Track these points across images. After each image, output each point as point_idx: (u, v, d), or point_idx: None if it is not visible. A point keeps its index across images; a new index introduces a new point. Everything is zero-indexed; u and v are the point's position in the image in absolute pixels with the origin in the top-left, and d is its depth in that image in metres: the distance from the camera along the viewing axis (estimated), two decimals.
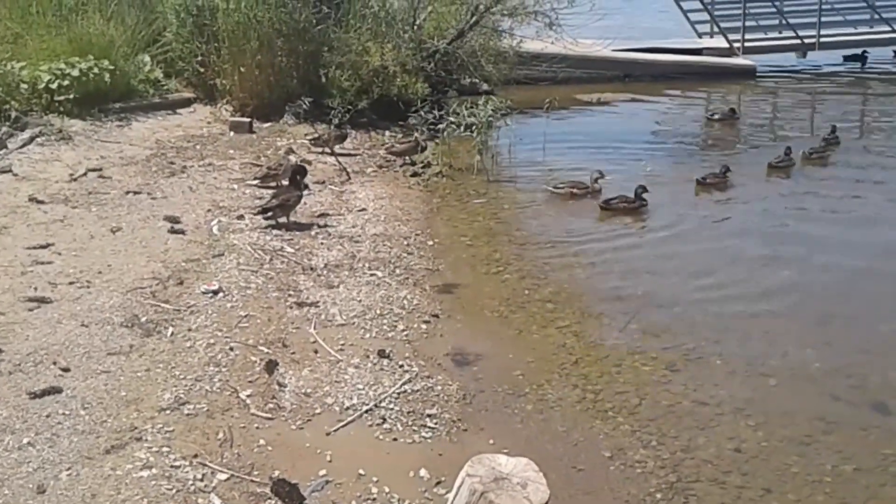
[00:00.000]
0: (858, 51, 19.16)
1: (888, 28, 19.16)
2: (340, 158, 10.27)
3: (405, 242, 8.04)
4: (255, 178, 9.25)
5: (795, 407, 5.37)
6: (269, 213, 7.95)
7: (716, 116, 14.22)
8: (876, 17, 19.67)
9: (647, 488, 4.56)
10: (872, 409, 5.37)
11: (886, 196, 9.85)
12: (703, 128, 14.30)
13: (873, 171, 10.99)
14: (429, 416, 5.08)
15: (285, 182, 8.49)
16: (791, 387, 5.64)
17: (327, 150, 10.73)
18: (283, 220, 7.97)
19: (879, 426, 5.17)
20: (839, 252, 8.13)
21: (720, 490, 4.56)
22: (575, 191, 9.76)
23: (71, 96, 10.38)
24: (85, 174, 8.95)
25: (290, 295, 6.49)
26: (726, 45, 19.15)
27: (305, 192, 8.40)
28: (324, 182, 9.64)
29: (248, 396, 5.01)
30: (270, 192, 8.57)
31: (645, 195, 9.36)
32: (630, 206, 9.26)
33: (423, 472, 4.49)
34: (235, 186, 9.07)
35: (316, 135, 10.99)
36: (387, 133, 12.16)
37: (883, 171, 10.95)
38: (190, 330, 5.69)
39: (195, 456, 4.38)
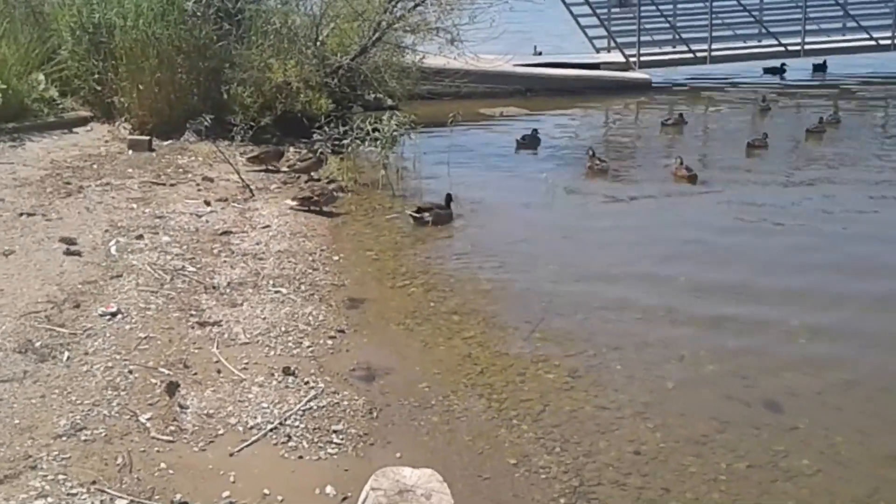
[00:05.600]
0: (777, 63, 20.00)
1: (775, 42, 20.03)
2: (242, 174, 10.18)
3: (310, 258, 8.01)
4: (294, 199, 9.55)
5: (691, 408, 5.54)
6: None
7: (668, 122, 14.83)
8: (763, 31, 20.53)
9: (551, 493, 4.64)
10: (764, 408, 5.58)
11: (779, 206, 10.27)
12: (659, 132, 14.77)
13: (768, 184, 11.45)
14: (335, 431, 5.06)
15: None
16: (687, 389, 5.82)
17: (271, 167, 10.74)
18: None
19: (771, 424, 5.37)
20: (732, 257, 8.43)
21: (621, 492, 4.68)
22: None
23: None
24: None
25: (191, 315, 6.39)
26: (623, 59, 19.71)
27: (209, 210, 8.52)
28: (226, 199, 9.52)
29: (148, 420, 4.91)
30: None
31: (452, 203, 9.52)
32: (442, 212, 9.36)
33: (329, 489, 4.47)
34: (134, 206, 8.87)
35: (255, 153, 10.95)
36: (291, 149, 12.09)
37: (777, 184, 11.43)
38: (87, 354, 5.55)
39: (93, 483, 4.27)
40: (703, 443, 5.15)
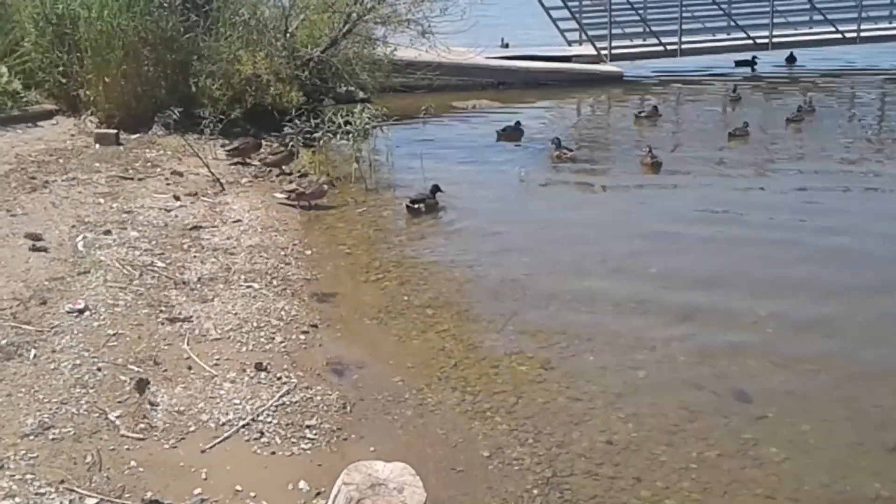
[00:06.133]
0: (747, 56, 20.14)
1: (744, 35, 20.19)
2: (212, 168, 10.10)
3: (282, 253, 7.96)
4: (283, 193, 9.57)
5: (662, 398, 5.57)
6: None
7: (643, 114, 14.89)
8: (733, 24, 20.68)
9: (524, 485, 4.65)
10: (733, 397, 5.62)
11: (751, 196, 10.36)
12: (634, 124, 14.83)
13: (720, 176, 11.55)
14: (308, 427, 5.04)
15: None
16: (658, 379, 5.85)
17: (249, 159, 10.71)
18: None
19: (739, 413, 5.42)
20: (703, 248, 8.50)
21: (593, 482, 4.70)
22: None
23: None
24: None
25: (161, 311, 6.33)
26: (594, 52, 19.77)
27: (178, 204, 8.59)
28: (196, 194, 9.44)
29: (117, 417, 4.86)
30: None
31: (439, 193, 9.73)
32: (432, 202, 9.62)
33: (302, 485, 4.45)
34: (102, 201, 8.77)
35: (235, 145, 10.94)
36: (262, 143, 11.99)
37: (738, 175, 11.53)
38: (54, 351, 5.48)
39: (62, 482, 4.22)
40: (673, 432, 5.19)
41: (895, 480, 4.70)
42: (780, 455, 4.95)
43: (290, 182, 10.08)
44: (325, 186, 9.76)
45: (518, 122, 13.59)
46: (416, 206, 9.61)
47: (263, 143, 11.62)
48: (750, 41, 20.12)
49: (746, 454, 4.96)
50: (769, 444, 5.05)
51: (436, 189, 9.76)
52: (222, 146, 11.12)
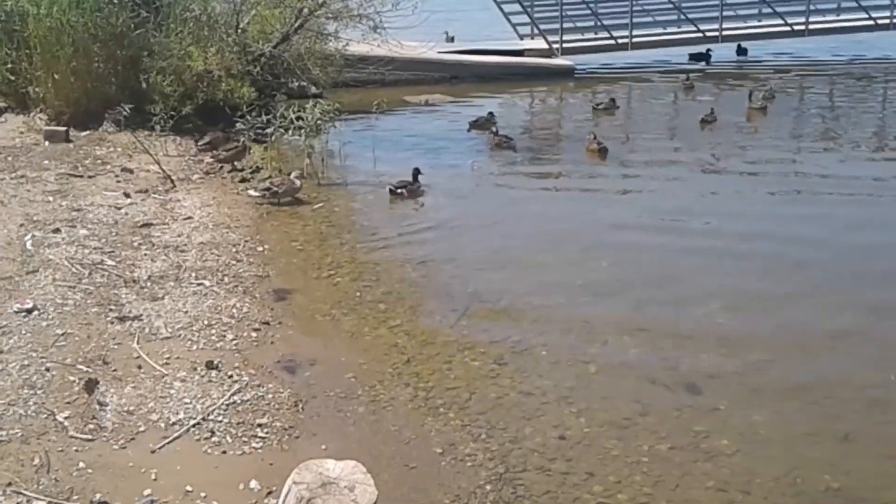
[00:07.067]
0: (698, 48, 20.35)
1: (694, 28, 20.41)
2: (163, 166, 9.98)
3: (234, 250, 7.90)
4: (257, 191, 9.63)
5: (615, 392, 5.63)
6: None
7: (601, 106, 15.05)
8: (683, 17, 20.90)
9: (476, 481, 4.67)
10: (684, 390, 5.69)
11: (704, 187, 10.51)
12: (592, 116, 14.96)
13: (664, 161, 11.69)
14: (259, 425, 5.01)
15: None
16: (610, 373, 5.91)
17: (219, 154, 10.65)
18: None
19: (691, 406, 5.49)
20: (654, 240, 8.55)
21: (546, 477, 4.73)
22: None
23: None
24: None
25: (111, 310, 6.25)
26: (546, 45, 19.86)
27: (128, 202, 8.56)
28: (146, 191, 9.33)
29: (66, 418, 4.79)
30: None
31: (420, 176, 10.10)
32: (412, 188, 9.92)
33: (253, 484, 4.43)
34: (51, 199, 8.62)
35: (206, 139, 10.99)
36: (200, 142, 11.86)
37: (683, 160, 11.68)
38: (1, 352, 5.38)
39: (9, 484, 4.15)
40: (625, 426, 5.24)
41: (845, 472, 4.79)
42: (732, 447, 5.02)
43: (264, 180, 10.08)
44: (298, 182, 9.76)
45: (491, 113, 13.79)
46: (398, 191, 9.83)
47: (176, 139, 11.58)
48: (700, 34, 20.35)
49: (698, 447, 5.02)
50: (720, 436, 5.12)
51: (417, 172, 10.04)
52: (196, 142, 11.08)
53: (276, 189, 9.53)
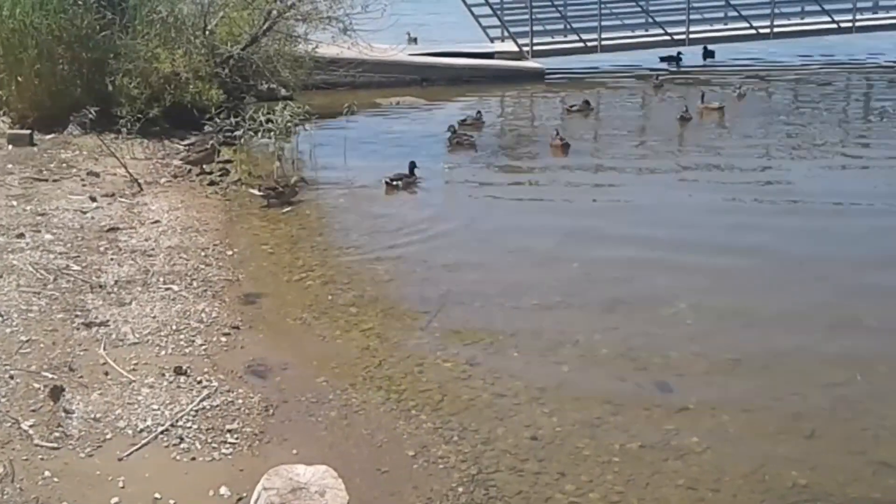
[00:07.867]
0: (666, 51, 20.49)
1: (662, 31, 20.56)
2: (131, 169, 9.87)
3: (203, 254, 7.82)
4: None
5: (586, 391, 5.64)
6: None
7: (574, 108, 15.13)
8: (651, 21, 21.04)
9: (449, 483, 4.66)
10: (655, 388, 5.71)
11: (675, 186, 10.57)
12: (567, 118, 14.98)
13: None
14: (229, 431, 4.96)
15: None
16: (582, 372, 5.92)
17: (189, 156, 10.67)
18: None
19: (661, 404, 5.51)
20: (624, 240, 8.58)
21: (518, 478, 4.73)
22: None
23: None
24: None
25: (77, 316, 6.16)
26: (516, 48, 19.91)
27: (94, 206, 8.49)
28: (113, 194, 9.22)
29: (30, 426, 4.71)
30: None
31: (416, 170, 10.46)
32: (408, 180, 10.21)
33: (223, 490, 4.38)
34: (14, 203, 8.49)
35: (190, 141, 11.10)
36: (184, 142, 11.78)
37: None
38: None
39: None
40: (597, 425, 5.25)
41: (812, 468, 4.83)
42: (702, 445, 5.04)
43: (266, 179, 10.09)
44: (298, 186, 9.92)
45: (479, 112, 13.90)
46: (394, 183, 10.10)
47: (184, 142, 11.47)
48: (668, 37, 20.50)
49: (668, 445, 5.04)
50: (690, 434, 5.14)
51: (413, 166, 10.30)
52: (177, 153, 11.10)
53: (280, 189, 9.56)
